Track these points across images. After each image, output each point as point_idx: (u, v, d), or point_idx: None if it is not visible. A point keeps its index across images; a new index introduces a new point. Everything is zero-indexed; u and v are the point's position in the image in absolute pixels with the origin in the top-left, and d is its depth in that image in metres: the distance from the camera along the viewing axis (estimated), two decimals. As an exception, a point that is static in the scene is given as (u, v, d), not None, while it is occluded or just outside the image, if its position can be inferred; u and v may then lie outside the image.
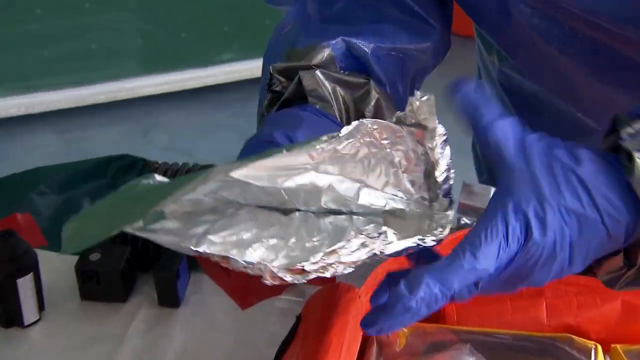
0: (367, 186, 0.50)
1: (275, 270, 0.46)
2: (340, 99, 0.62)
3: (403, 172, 0.50)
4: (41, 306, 0.77)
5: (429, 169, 0.50)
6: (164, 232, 0.46)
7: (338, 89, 0.62)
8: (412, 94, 0.71)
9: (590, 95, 0.68)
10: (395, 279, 0.49)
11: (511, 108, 0.84)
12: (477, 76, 0.94)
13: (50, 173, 0.95)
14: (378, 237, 0.48)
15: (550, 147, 0.49)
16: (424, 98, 0.48)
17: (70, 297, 0.80)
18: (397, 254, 0.49)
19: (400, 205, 0.50)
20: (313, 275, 0.47)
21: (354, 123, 0.47)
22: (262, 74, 0.68)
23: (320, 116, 0.60)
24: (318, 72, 0.62)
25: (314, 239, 0.48)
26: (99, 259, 0.78)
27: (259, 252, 0.47)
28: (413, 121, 0.49)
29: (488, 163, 0.95)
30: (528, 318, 0.65)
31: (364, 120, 0.48)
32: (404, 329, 0.64)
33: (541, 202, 0.47)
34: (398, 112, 0.50)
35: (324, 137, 0.46)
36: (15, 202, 0.90)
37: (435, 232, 0.49)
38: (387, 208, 0.50)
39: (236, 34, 2.60)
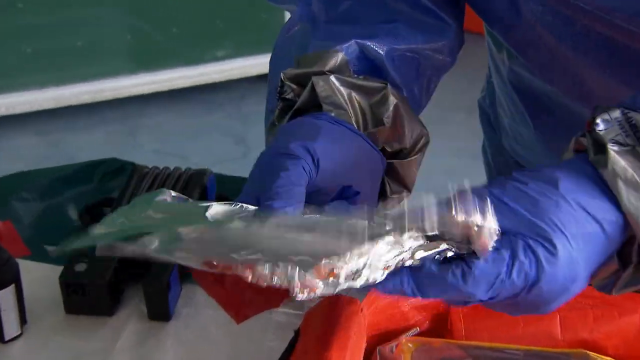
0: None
1: (303, 276, 0.47)
2: (357, 105, 0.63)
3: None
4: (23, 320, 0.78)
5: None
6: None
7: (354, 94, 0.63)
8: (429, 94, 0.72)
9: (603, 95, 0.69)
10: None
11: (522, 108, 0.84)
12: (487, 74, 0.95)
13: (32, 178, 0.96)
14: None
15: (520, 186, 0.52)
16: (486, 225, 0.48)
17: (54, 310, 0.80)
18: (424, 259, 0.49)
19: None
20: (343, 281, 0.48)
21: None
22: (269, 80, 0.68)
23: (337, 124, 0.60)
24: (332, 78, 0.62)
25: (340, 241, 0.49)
26: (85, 270, 0.79)
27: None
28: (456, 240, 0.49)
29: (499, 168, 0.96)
30: (540, 332, 0.66)
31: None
32: (408, 344, 0.65)
33: (547, 237, 0.49)
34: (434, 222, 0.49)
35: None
36: (-5, 209, 0.91)
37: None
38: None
39: (230, 29, 2.60)
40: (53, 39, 2.47)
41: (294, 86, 0.63)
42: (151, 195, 0.54)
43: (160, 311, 0.79)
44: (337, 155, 0.58)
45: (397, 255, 0.49)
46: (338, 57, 0.64)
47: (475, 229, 0.48)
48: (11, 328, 0.77)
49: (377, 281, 0.49)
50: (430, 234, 0.49)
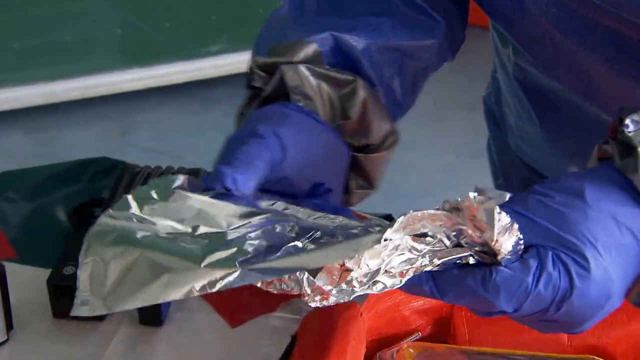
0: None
1: (312, 282, 0.47)
2: (325, 97, 0.63)
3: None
4: (9, 325, 0.78)
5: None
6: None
7: (323, 85, 0.63)
8: (414, 93, 0.72)
9: (610, 91, 0.69)
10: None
11: (528, 105, 0.84)
12: (492, 71, 0.95)
13: (20, 178, 0.96)
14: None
15: (543, 199, 0.51)
16: (481, 201, 0.47)
17: (41, 314, 0.80)
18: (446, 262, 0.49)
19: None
20: (358, 287, 0.47)
21: (401, 218, 0.47)
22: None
23: (304, 114, 0.61)
24: (302, 68, 0.63)
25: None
26: (74, 273, 0.79)
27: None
28: (471, 215, 0.48)
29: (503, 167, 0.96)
30: (547, 338, 0.66)
31: (411, 211, 0.48)
32: (410, 349, 0.64)
33: (578, 250, 0.48)
34: (455, 200, 0.48)
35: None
36: (-19, 210, 0.91)
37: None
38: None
39: (225, 23, 2.60)
40: (42, 34, 2.46)
41: (262, 74, 0.64)
42: (167, 182, 0.53)
43: (152, 315, 0.79)
44: (305, 144, 0.58)
45: (414, 260, 0.48)
46: (310, 49, 0.64)
47: (490, 232, 0.48)
48: (-3, 333, 0.77)
49: (395, 287, 0.48)
50: (447, 241, 0.49)
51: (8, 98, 2.49)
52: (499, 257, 0.49)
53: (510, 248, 0.48)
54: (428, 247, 0.48)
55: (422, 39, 0.69)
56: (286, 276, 0.48)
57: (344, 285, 0.47)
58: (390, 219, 0.75)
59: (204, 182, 0.55)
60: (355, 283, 0.47)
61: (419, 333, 0.68)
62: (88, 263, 0.47)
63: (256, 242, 0.48)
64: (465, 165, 2.12)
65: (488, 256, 0.49)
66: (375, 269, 0.47)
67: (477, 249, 0.49)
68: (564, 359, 0.65)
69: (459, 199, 0.48)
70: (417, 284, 0.49)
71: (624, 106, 0.54)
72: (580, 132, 0.80)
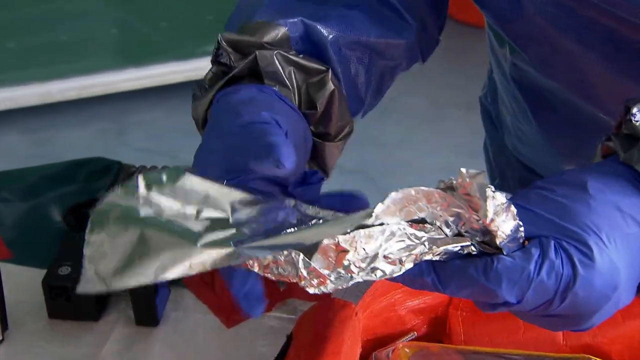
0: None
1: (308, 263, 0.47)
2: (295, 84, 0.64)
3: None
4: (4, 326, 0.78)
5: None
6: None
7: (294, 72, 0.64)
8: (380, 92, 0.72)
9: (606, 90, 0.69)
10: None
11: (524, 104, 0.85)
12: (488, 70, 0.95)
13: (15, 178, 0.96)
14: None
15: (545, 193, 0.51)
16: (473, 174, 0.47)
17: (37, 315, 0.80)
18: (446, 253, 0.49)
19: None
20: (356, 272, 0.47)
21: (392, 193, 0.47)
22: None
23: (282, 101, 0.62)
24: (276, 53, 0.63)
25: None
26: (69, 273, 0.79)
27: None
28: (464, 192, 0.48)
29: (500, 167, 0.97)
30: (542, 338, 0.66)
31: (405, 189, 0.48)
32: (405, 349, 0.65)
33: (581, 240, 0.48)
34: (445, 180, 0.49)
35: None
36: (-24, 210, 0.91)
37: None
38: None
39: (221, 23, 2.58)
40: (37, 33, 2.46)
41: (230, 50, 0.64)
42: (179, 168, 0.53)
43: (147, 315, 0.79)
44: (292, 132, 0.59)
45: (413, 247, 0.48)
46: (279, 32, 0.64)
47: (483, 209, 0.47)
48: (-8, 334, 0.77)
49: (395, 275, 0.48)
50: (447, 230, 0.49)
51: (4, 98, 2.49)
52: (498, 242, 0.48)
53: (508, 232, 0.48)
54: (427, 235, 0.48)
55: (392, 37, 0.69)
56: (282, 258, 0.48)
57: (341, 271, 0.47)
58: None
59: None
60: (353, 268, 0.47)
61: (415, 333, 0.68)
62: (92, 240, 0.48)
63: (255, 226, 0.48)
64: (463, 165, 2.11)
65: (490, 247, 0.49)
66: (372, 254, 0.47)
67: (478, 238, 0.49)
68: (560, 358, 0.65)
69: (452, 178, 0.48)
70: (418, 275, 0.49)
71: (631, 98, 0.54)
72: (577, 131, 0.80)
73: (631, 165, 0.52)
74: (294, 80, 0.64)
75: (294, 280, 0.48)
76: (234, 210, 0.50)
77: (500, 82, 0.89)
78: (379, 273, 0.48)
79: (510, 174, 0.94)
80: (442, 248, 0.49)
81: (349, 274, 0.48)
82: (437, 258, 0.49)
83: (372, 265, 0.48)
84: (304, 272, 0.48)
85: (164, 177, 0.51)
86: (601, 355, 0.65)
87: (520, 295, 0.48)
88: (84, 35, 2.52)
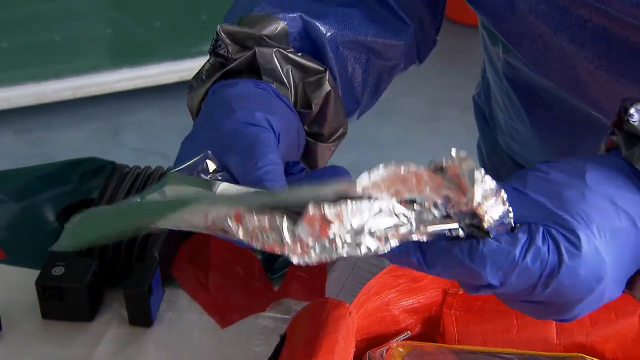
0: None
1: (292, 226, 0.47)
2: (292, 82, 0.64)
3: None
4: (-2, 326, 0.78)
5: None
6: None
7: (292, 70, 0.64)
8: (377, 92, 0.73)
9: (599, 88, 0.70)
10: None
11: (518, 103, 0.85)
12: (482, 69, 0.95)
13: (9, 178, 0.96)
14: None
15: (543, 176, 0.51)
16: (463, 156, 0.47)
17: (30, 315, 0.80)
18: (437, 234, 0.49)
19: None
20: (340, 244, 0.47)
21: (381, 166, 0.48)
22: None
23: (279, 99, 0.62)
24: (275, 51, 0.63)
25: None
26: (63, 274, 0.79)
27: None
28: (453, 174, 0.48)
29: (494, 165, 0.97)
30: (536, 336, 0.66)
31: (394, 164, 0.48)
32: (399, 348, 0.65)
33: (570, 228, 0.48)
34: (436, 161, 0.49)
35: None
36: (-30, 211, 0.91)
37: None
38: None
39: (216, 23, 2.59)
40: (30, 33, 2.46)
41: (228, 42, 0.64)
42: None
43: (141, 316, 0.79)
44: (286, 132, 0.59)
45: (400, 226, 0.48)
46: (278, 25, 0.65)
47: (471, 192, 0.47)
48: (-14, 334, 0.77)
49: (380, 252, 0.48)
50: (435, 211, 0.49)
51: (-2, 98, 2.49)
52: (485, 226, 0.48)
53: (497, 217, 0.48)
54: (415, 215, 0.48)
55: (390, 38, 0.70)
56: (267, 225, 0.47)
57: (326, 243, 0.47)
58: None
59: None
60: (338, 241, 0.47)
61: (409, 332, 0.68)
62: None
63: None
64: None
65: (478, 230, 0.49)
66: (359, 228, 0.47)
67: (466, 221, 0.49)
68: (553, 357, 0.65)
69: (443, 159, 0.48)
70: (404, 254, 0.49)
71: (627, 97, 0.54)
72: (571, 129, 0.80)
73: (631, 163, 0.52)
74: (292, 79, 0.64)
75: (278, 250, 0.48)
76: None
77: (493, 80, 0.89)
78: (363, 249, 0.48)
79: (504, 172, 0.94)
80: (429, 229, 0.49)
81: (334, 247, 0.47)
82: (424, 238, 0.49)
83: (358, 240, 0.47)
84: (288, 239, 0.47)
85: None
86: (595, 354, 0.65)
87: (504, 279, 0.49)
88: (78, 36, 2.52)
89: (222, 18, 0.71)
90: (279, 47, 0.64)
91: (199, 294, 0.83)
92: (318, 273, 0.82)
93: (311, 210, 0.46)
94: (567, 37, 0.68)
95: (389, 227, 0.48)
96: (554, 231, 0.49)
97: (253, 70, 0.64)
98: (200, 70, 0.66)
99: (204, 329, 0.79)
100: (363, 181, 0.47)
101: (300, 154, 0.65)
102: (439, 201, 0.49)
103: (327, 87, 0.64)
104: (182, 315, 0.80)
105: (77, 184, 0.95)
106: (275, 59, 0.63)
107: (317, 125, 0.66)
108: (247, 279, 0.83)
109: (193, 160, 0.55)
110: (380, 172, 0.47)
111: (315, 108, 0.64)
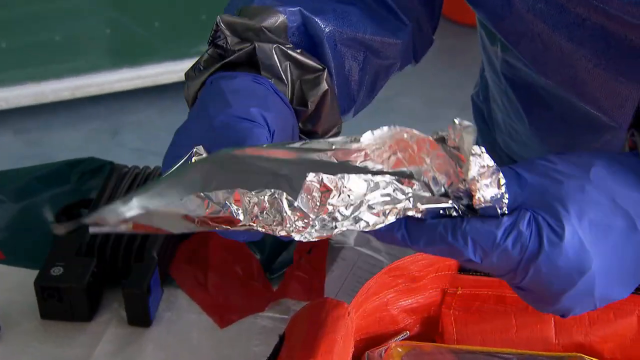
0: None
1: (292, 200, 0.47)
2: (290, 79, 0.64)
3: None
4: (-3, 326, 0.78)
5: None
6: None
7: (291, 67, 0.64)
8: (373, 91, 0.73)
9: (598, 87, 0.70)
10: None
11: (516, 102, 0.85)
12: (480, 69, 0.95)
13: (7, 178, 0.96)
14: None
15: (548, 164, 0.51)
16: (465, 125, 0.47)
17: (29, 316, 0.80)
18: (431, 211, 0.49)
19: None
20: (340, 218, 0.47)
21: (385, 128, 0.48)
22: None
23: (276, 95, 0.62)
24: (275, 48, 0.63)
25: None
26: (61, 274, 0.79)
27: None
28: (453, 145, 0.49)
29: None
30: (535, 336, 0.66)
31: (398, 128, 0.48)
32: (398, 348, 0.65)
33: (557, 217, 0.48)
34: (440, 130, 0.49)
35: (344, 139, 0.48)
36: (-32, 211, 0.91)
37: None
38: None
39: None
40: (30, 33, 2.46)
41: (227, 33, 0.64)
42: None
43: (140, 316, 0.79)
44: (281, 130, 0.59)
45: (397, 201, 0.48)
46: (278, 18, 0.65)
47: (467, 165, 0.47)
48: (-15, 335, 0.77)
49: (378, 227, 0.48)
50: (434, 188, 0.49)
51: (-4, 98, 2.49)
52: (475, 205, 0.49)
53: (488, 198, 0.49)
54: (412, 191, 0.49)
55: (388, 37, 0.70)
56: (266, 203, 0.48)
57: (326, 218, 0.47)
58: None
59: None
60: (337, 216, 0.48)
61: (407, 332, 0.68)
62: None
63: None
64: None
65: (473, 212, 0.49)
66: (357, 201, 0.48)
67: (463, 202, 0.49)
68: (552, 357, 0.65)
69: (445, 130, 0.48)
70: (389, 230, 0.49)
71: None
72: (570, 128, 0.80)
73: None
74: (290, 76, 0.64)
75: (279, 230, 0.48)
76: None
77: (491, 79, 0.89)
78: (362, 224, 0.48)
79: (503, 172, 0.94)
80: (425, 206, 0.49)
81: (333, 222, 0.48)
82: (419, 215, 0.49)
83: (357, 213, 0.48)
84: (289, 213, 0.47)
85: None
86: (593, 354, 0.65)
87: (482, 255, 0.49)
88: (78, 36, 2.52)
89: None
90: (279, 42, 0.64)
91: (198, 294, 0.83)
92: (317, 273, 0.82)
93: (310, 177, 0.47)
94: (566, 36, 0.68)
95: (387, 202, 0.48)
96: (540, 218, 0.49)
97: (252, 64, 0.64)
98: (198, 60, 0.65)
99: (202, 329, 0.79)
100: (367, 139, 0.47)
101: None
102: (438, 176, 0.49)
103: (324, 85, 0.64)
104: (181, 315, 0.80)
105: (76, 184, 0.95)
106: (275, 56, 0.63)
107: (311, 123, 0.66)
108: (246, 279, 0.83)
109: (182, 161, 0.54)
110: (383, 132, 0.48)
111: (311, 106, 0.64)
